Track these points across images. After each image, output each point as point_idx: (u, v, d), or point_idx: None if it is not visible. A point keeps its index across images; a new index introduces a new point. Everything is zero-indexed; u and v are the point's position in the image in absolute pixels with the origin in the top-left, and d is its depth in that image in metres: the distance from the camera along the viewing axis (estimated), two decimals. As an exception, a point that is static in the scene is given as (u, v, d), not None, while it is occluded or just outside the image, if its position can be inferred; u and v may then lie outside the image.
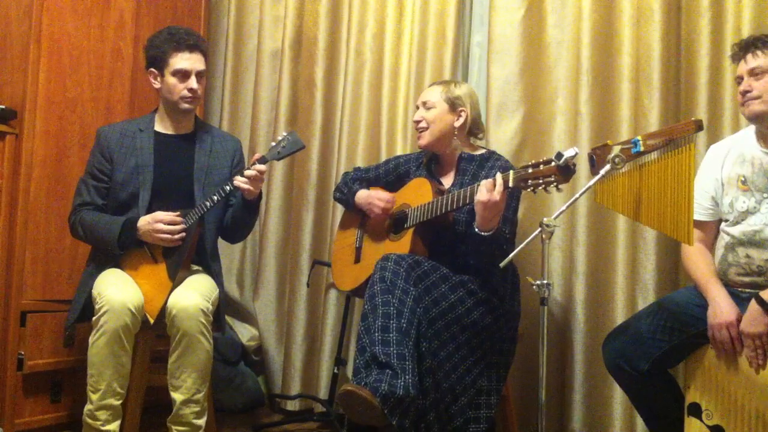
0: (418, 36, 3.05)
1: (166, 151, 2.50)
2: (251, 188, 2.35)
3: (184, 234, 2.36)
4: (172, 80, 2.43)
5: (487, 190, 2.07)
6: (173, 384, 2.27)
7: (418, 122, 2.50)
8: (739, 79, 2.07)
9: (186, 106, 2.47)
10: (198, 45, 2.47)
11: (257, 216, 2.58)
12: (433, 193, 2.35)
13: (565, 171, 1.90)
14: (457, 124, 2.47)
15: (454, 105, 2.47)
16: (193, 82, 2.44)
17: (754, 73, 2.01)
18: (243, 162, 2.63)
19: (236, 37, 3.56)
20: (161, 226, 2.34)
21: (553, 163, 1.91)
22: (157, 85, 2.48)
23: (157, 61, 2.44)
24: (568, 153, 1.88)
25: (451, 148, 2.51)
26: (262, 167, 2.34)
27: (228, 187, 2.35)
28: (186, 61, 2.42)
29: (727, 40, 2.50)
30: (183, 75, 2.42)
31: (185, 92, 2.44)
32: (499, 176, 2.07)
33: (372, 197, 2.54)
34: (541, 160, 1.96)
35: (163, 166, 2.48)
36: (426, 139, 2.48)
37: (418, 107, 2.54)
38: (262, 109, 3.44)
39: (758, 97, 1.99)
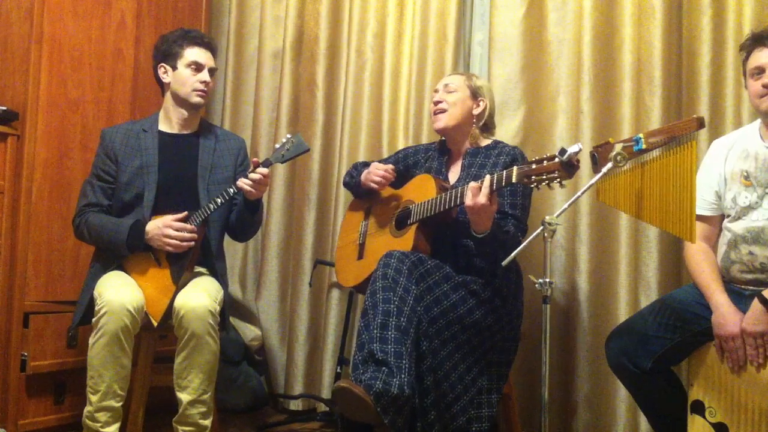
0: (419, 35, 3.05)
1: (170, 150, 2.50)
2: (254, 191, 2.35)
3: (192, 243, 2.35)
4: (185, 72, 2.46)
5: (473, 195, 2.05)
6: (180, 384, 2.26)
7: (437, 103, 2.46)
8: (758, 70, 2.02)
9: (197, 99, 2.48)
10: (211, 44, 2.53)
11: (262, 214, 2.58)
12: (437, 190, 2.33)
13: (569, 167, 1.89)
14: (476, 111, 2.47)
15: (475, 94, 2.48)
16: (206, 75, 2.47)
17: None
18: (248, 161, 2.62)
19: (237, 37, 3.56)
20: (170, 231, 2.33)
21: (556, 159, 1.90)
22: (167, 79, 2.48)
23: (169, 54, 2.47)
24: (571, 149, 1.86)
25: (465, 138, 2.48)
26: (266, 170, 2.34)
27: (231, 190, 2.35)
28: (201, 54, 2.48)
29: (728, 38, 2.50)
30: (196, 67, 2.46)
31: (198, 84, 2.45)
32: (487, 178, 2.05)
33: (370, 169, 2.52)
34: (545, 156, 1.95)
35: (167, 165, 2.47)
36: (443, 121, 2.45)
37: (437, 91, 2.50)
38: (263, 110, 3.44)
39: None
